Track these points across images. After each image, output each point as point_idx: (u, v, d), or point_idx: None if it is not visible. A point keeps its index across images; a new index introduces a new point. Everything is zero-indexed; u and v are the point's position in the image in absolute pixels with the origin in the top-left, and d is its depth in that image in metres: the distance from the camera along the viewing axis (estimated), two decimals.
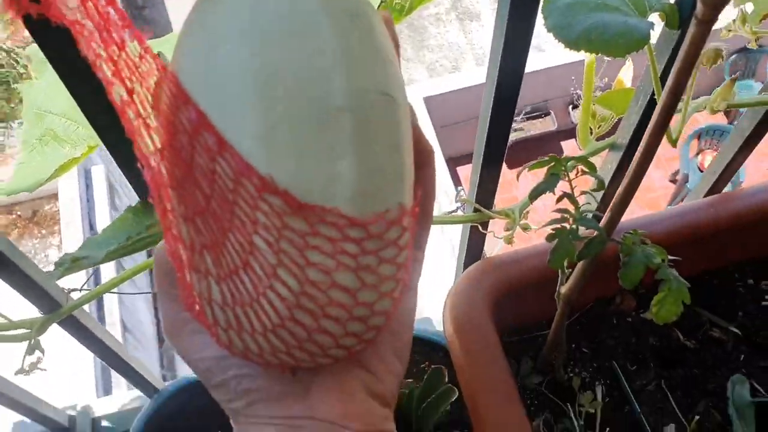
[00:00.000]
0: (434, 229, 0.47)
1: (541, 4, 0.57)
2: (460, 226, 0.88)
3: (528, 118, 4.94)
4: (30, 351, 0.74)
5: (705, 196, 0.88)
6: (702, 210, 0.83)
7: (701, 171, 4.19)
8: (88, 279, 0.79)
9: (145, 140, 0.29)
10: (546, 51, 4.56)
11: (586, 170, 0.54)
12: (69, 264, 0.52)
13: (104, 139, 0.51)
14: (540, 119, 4.97)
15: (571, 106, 4.95)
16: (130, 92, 0.28)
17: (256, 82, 0.28)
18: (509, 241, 0.80)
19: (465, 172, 4.44)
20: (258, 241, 0.28)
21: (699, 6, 0.34)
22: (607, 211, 0.53)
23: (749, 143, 0.79)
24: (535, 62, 4.46)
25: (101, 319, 3.89)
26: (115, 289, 0.79)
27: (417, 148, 0.36)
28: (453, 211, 0.81)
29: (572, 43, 0.55)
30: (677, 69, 0.38)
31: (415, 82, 5.00)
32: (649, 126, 0.46)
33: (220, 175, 0.27)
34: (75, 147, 0.67)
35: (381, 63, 0.31)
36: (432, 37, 5.33)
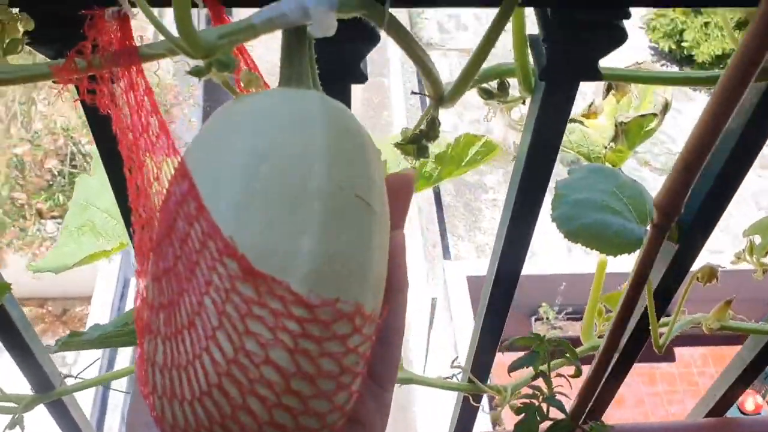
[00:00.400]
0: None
1: (552, 198, 0.62)
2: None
3: (568, 318, 4.91)
4: (11, 426, 0.75)
5: (705, 417, 0.87)
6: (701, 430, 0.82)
7: None
8: (86, 368, 0.81)
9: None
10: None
11: (568, 356, 0.56)
12: (66, 339, 0.55)
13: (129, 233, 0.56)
14: (580, 321, 4.91)
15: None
16: (140, 165, 0.32)
17: (246, 160, 0.32)
18: (496, 419, 0.80)
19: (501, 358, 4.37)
20: (207, 302, 0.30)
21: (655, 213, 0.38)
22: (575, 397, 0.54)
23: (750, 372, 0.79)
24: (583, 266, 4.52)
25: (104, 401, 3.85)
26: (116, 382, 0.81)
27: (393, 275, 0.37)
28: (448, 378, 0.82)
29: (572, 235, 0.59)
30: (637, 263, 0.42)
31: (462, 260, 5.08)
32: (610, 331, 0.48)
33: (192, 237, 0.31)
34: (108, 241, 0.73)
35: (365, 174, 0.34)
36: (486, 219, 5.48)
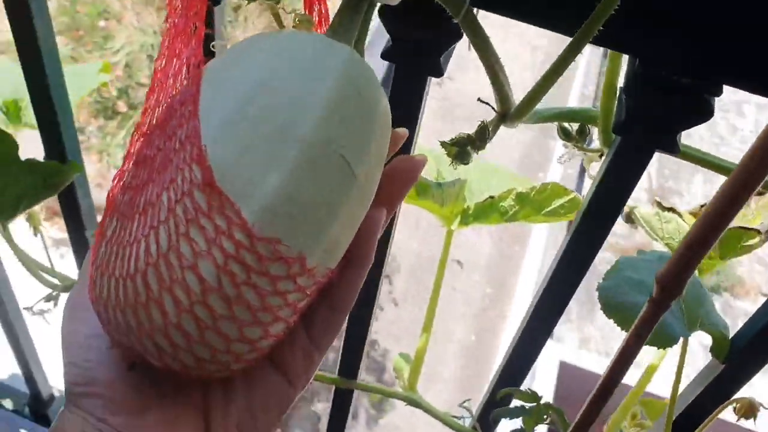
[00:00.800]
0: None
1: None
2: None
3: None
4: (47, 298, 0.81)
5: None
6: None
7: None
8: None
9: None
10: None
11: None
12: None
13: None
14: None
15: None
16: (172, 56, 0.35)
17: (250, 86, 0.33)
18: None
19: None
20: (164, 197, 0.32)
21: (654, 287, 0.35)
22: None
23: None
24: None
25: None
26: None
27: (358, 248, 0.37)
28: (456, 417, 0.79)
29: (607, 308, 0.56)
30: (624, 341, 0.39)
31: (562, 342, 4.88)
32: None
33: (177, 136, 0.32)
34: None
35: (360, 140, 0.34)
36: (601, 315, 5.23)
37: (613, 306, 0.55)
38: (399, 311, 3.75)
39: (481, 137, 0.45)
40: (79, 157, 0.70)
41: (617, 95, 0.47)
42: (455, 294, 3.80)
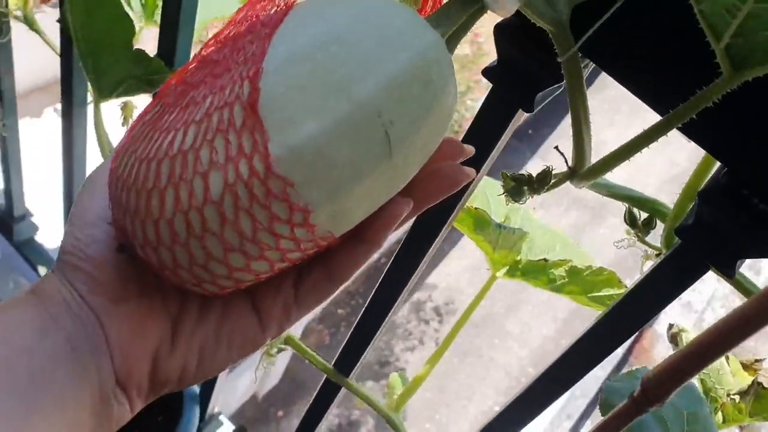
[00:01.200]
0: None
1: None
2: None
3: None
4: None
5: None
6: None
7: None
8: None
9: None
10: None
11: None
12: None
13: None
14: None
15: None
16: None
17: (328, 31, 0.33)
18: None
19: None
20: (207, 100, 0.33)
21: (638, 387, 0.33)
22: None
23: None
24: None
25: None
26: None
27: (369, 227, 0.37)
28: None
29: (607, 408, 0.53)
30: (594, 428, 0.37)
31: None
32: None
33: (245, 51, 0.33)
34: None
35: (411, 125, 0.34)
36: None
37: (610, 407, 0.52)
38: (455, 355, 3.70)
39: (541, 182, 0.43)
40: None
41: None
42: (497, 362, 3.72)
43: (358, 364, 0.75)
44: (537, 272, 0.72)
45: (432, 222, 0.60)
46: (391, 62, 0.33)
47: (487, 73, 0.47)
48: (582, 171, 0.44)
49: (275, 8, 0.35)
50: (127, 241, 0.35)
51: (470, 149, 0.41)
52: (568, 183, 0.46)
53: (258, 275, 0.35)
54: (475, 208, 0.67)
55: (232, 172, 0.31)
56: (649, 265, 0.53)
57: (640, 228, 0.49)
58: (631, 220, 0.50)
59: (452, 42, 0.38)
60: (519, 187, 0.44)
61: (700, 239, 0.43)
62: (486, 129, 0.49)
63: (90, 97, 0.91)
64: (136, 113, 0.88)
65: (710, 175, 0.43)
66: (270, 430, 3.20)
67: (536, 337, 3.73)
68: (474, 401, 3.61)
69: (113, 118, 0.88)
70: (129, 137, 0.36)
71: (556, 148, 0.45)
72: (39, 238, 1.35)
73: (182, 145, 0.32)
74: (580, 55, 0.41)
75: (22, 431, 0.33)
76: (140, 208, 0.33)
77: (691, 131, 0.39)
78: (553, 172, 0.46)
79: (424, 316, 4.09)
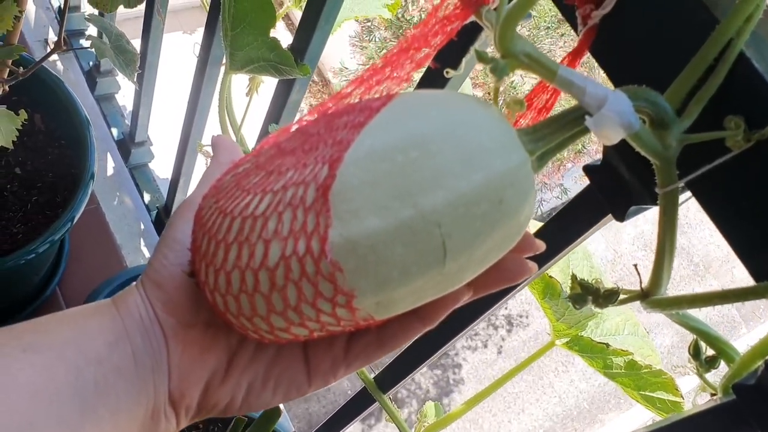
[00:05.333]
0: None
1: None
2: None
3: None
4: None
5: None
6: None
7: None
8: None
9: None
10: None
11: None
12: None
13: None
14: None
15: None
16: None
17: (409, 138, 0.34)
18: None
19: None
20: (288, 173, 0.34)
21: None
22: None
23: None
24: None
25: None
26: None
27: (430, 307, 0.38)
28: None
29: None
30: None
31: None
32: None
33: (331, 139, 0.34)
34: None
35: (470, 239, 0.34)
36: None
37: None
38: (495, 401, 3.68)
39: (607, 299, 0.43)
40: (314, 64, 0.76)
41: None
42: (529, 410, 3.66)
43: (398, 386, 0.77)
44: (595, 354, 0.70)
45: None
46: (463, 179, 0.33)
47: (588, 171, 0.47)
48: (654, 298, 0.43)
49: (380, 93, 0.36)
50: (198, 279, 0.38)
51: (541, 245, 0.41)
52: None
53: (297, 337, 0.37)
54: (550, 276, 0.66)
55: (291, 245, 0.33)
56: (702, 398, 0.52)
57: (701, 363, 0.48)
58: (695, 352, 0.48)
59: (545, 158, 0.38)
60: (584, 296, 0.43)
61: (755, 403, 0.42)
62: (571, 224, 0.49)
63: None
64: (262, 87, 0.92)
65: None
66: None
67: (573, 393, 3.65)
68: None
69: (241, 86, 0.93)
70: (218, 183, 0.38)
71: (635, 266, 0.44)
72: (152, 165, 1.43)
73: (255, 210, 0.34)
74: (681, 185, 0.40)
75: None
76: (209, 253, 0.35)
77: None
78: (625, 289, 0.45)
79: (494, 321, 4.06)
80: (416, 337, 0.40)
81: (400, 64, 0.37)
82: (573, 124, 0.36)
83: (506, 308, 4.07)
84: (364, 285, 0.33)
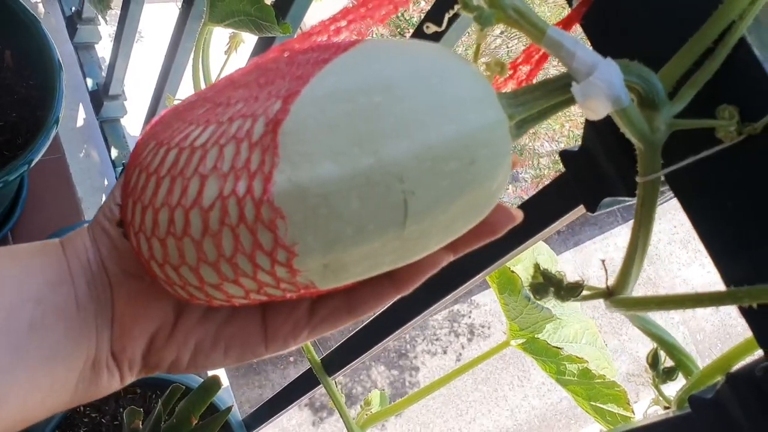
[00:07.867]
0: None
1: None
2: None
3: None
4: None
5: None
6: None
7: None
8: None
9: None
10: None
11: None
12: None
13: None
14: None
15: None
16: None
17: (374, 81, 0.30)
18: None
19: None
20: (238, 105, 0.31)
21: None
22: None
23: None
24: None
25: None
26: None
27: (404, 272, 0.35)
28: None
29: None
30: None
31: None
32: None
33: (285, 75, 0.31)
34: None
35: (434, 201, 0.30)
36: None
37: None
38: (447, 398, 3.67)
39: (569, 292, 0.40)
40: (296, 24, 0.72)
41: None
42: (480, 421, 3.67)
43: (344, 369, 0.74)
44: (549, 358, 0.68)
45: (463, 269, 0.57)
46: (432, 130, 0.30)
47: (564, 157, 0.44)
48: (618, 297, 0.41)
49: (349, 36, 0.33)
50: (123, 219, 0.33)
51: (519, 214, 0.37)
52: None
53: (230, 298, 0.33)
54: (512, 271, 0.64)
55: (230, 184, 0.29)
56: (654, 410, 0.50)
57: (658, 373, 0.45)
58: (653, 361, 0.46)
59: (524, 126, 0.34)
60: (546, 287, 0.41)
61: (710, 418, 0.39)
62: (546, 207, 0.46)
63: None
64: (242, 47, 0.88)
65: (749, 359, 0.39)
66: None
67: (526, 408, 3.66)
68: None
69: (220, 43, 0.89)
70: (162, 117, 0.34)
71: (602, 261, 0.42)
72: (124, 120, 1.38)
73: (195, 141, 0.30)
74: (662, 179, 0.38)
75: (2, 381, 0.32)
76: (137, 188, 0.31)
77: (747, 313, 0.35)
78: (589, 285, 0.42)
79: (457, 328, 4.05)
80: (388, 304, 0.37)
81: (378, 4, 0.34)
82: (558, 91, 0.33)
83: (470, 317, 4.06)
84: (311, 241, 0.29)
